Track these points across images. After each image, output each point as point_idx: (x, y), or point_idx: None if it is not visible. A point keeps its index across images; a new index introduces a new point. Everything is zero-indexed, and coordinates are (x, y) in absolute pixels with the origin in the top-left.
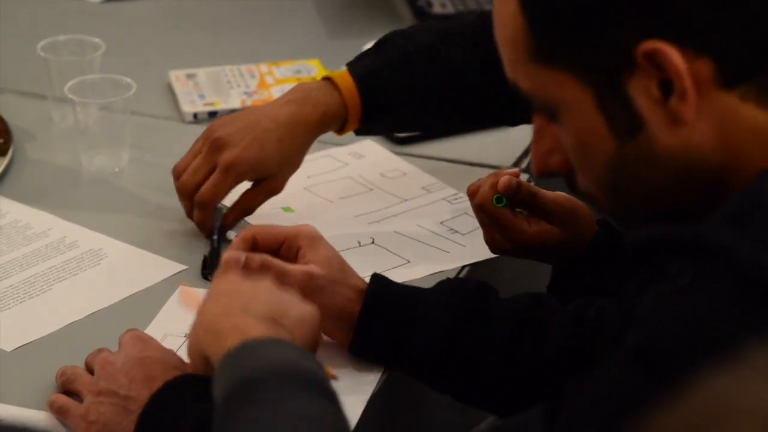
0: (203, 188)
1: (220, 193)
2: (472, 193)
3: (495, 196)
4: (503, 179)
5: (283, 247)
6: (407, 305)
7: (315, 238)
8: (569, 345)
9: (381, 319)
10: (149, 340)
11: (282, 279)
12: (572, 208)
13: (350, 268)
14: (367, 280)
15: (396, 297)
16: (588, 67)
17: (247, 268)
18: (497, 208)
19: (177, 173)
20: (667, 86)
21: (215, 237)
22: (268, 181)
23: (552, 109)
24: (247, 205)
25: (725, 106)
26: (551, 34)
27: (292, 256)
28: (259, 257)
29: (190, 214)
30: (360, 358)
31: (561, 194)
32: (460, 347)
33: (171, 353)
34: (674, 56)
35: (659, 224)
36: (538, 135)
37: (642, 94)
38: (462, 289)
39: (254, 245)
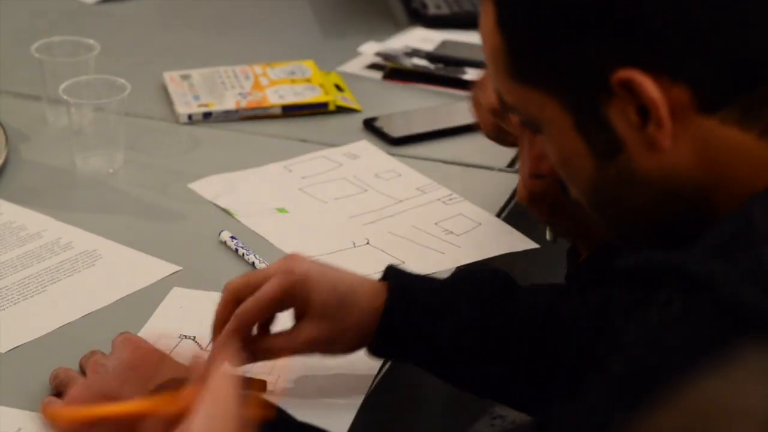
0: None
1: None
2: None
3: None
4: None
5: (284, 304)
6: (430, 304)
7: (304, 284)
8: (594, 336)
9: (403, 320)
10: (141, 342)
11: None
12: None
13: (354, 290)
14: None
15: (418, 294)
16: (565, 90)
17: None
18: None
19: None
20: (644, 112)
21: None
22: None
23: (535, 124)
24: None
25: (705, 131)
26: (527, 55)
27: (295, 306)
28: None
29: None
30: (353, 361)
31: None
32: (486, 340)
33: (163, 355)
34: (648, 86)
35: (648, 250)
36: (530, 139)
37: (620, 118)
38: (488, 280)
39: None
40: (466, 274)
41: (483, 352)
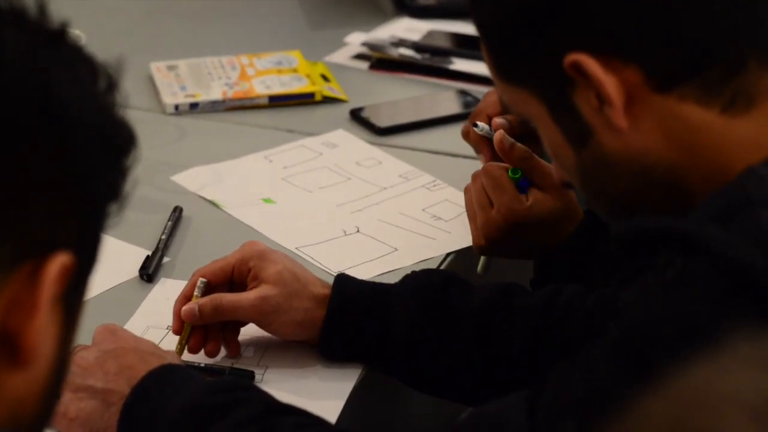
0: None
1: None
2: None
3: (510, 169)
4: (496, 137)
5: (234, 274)
6: (372, 304)
7: (262, 255)
8: (538, 333)
9: (346, 320)
10: (120, 331)
11: (236, 313)
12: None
13: (306, 275)
14: (354, 271)
15: (361, 296)
16: (536, 83)
17: (203, 317)
18: (504, 171)
19: None
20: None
21: (163, 237)
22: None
23: (529, 121)
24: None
25: (663, 108)
26: (500, 54)
27: (246, 280)
28: (210, 303)
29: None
30: None
31: None
32: (428, 342)
33: (144, 342)
34: (593, 67)
35: (646, 218)
36: None
37: (585, 104)
38: (427, 284)
39: (208, 285)
40: (411, 279)
41: (423, 354)
